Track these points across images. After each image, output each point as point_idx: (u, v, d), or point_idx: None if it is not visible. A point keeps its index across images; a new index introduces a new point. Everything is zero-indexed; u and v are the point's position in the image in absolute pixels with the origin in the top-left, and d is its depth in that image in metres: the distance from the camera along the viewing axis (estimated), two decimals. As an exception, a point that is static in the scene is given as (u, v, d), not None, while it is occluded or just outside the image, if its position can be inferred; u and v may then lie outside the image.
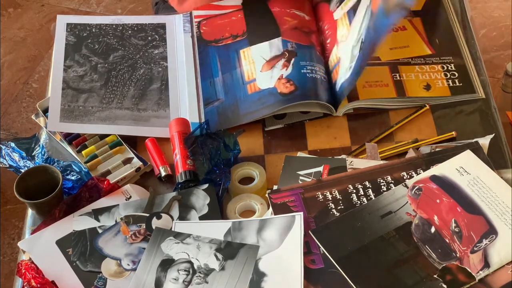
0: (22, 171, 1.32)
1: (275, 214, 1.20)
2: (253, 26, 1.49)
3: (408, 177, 1.23)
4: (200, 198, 1.26)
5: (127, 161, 1.36)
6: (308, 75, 1.38)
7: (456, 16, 1.54)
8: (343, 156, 1.30)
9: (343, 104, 1.38)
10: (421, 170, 1.24)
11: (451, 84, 1.42)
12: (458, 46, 1.48)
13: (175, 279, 1.15)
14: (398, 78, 1.43)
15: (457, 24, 1.52)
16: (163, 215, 1.25)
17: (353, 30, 1.37)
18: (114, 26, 1.58)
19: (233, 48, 1.47)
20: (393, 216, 1.17)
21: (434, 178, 1.21)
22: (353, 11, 1.40)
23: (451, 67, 1.45)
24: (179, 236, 1.20)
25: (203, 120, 1.39)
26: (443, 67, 1.45)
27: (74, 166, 1.34)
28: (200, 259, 1.16)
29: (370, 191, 1.22)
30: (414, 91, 1.41)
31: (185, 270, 1.16)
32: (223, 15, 1.52)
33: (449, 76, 1.43)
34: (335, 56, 1.41)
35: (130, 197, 1.29)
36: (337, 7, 1.45)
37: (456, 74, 1.43)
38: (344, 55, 1.38)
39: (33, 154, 1.39)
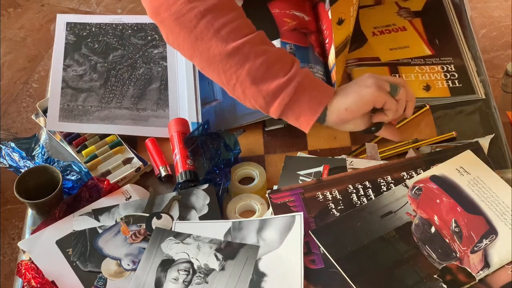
0: (22, 171, 1.32)
1: (275, 214, 1.20)
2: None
3: (408, 177, 1.23)
4: (200, 198, 1.26)
5: (127, 161, 1.36)
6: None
7: (456, 16, 1.54)
8: (343, 156, 1.30)
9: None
10: (421, 170, 1.24)
11: (450, 85, 1.42)
12: (458, 46, 1.48)
13: (175, 279, 1.15)
14: (398, 78, 1.43)
15: (457, 24, 1.52)
16: (163, 215, 1.25)
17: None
18: (114, 26, 1.58)
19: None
20: (393, 216, 1.17)
21: (434, 178, 1.21)
22: None
23: (451, 68, 1.45)
24: (179, 236, 1.20)
25: (200, 120, 1.39)
26: (443, 68, 1.45)
27: (74, 166, 1.34)
28: (200, 259, 1.16)
29: (370, 191, 1.22)
30: (414, 91, 1.39)
31: (185, 270, 1.16)
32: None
33: (448, 76, 1.43)
34: (333, 57, 1.40)
35: (130, 197, 1.29)
36: (331, 5, 1.45)
37: (456, 75, 1.43)
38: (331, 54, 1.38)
39: (33, 154, 1.39)
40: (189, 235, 1.20)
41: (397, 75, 1.43)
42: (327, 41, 1.45)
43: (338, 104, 1.16)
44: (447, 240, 1.14)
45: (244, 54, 1.14)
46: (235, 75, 1.15)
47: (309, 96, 1.15)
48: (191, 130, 1.37)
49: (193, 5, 1.15)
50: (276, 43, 1.44)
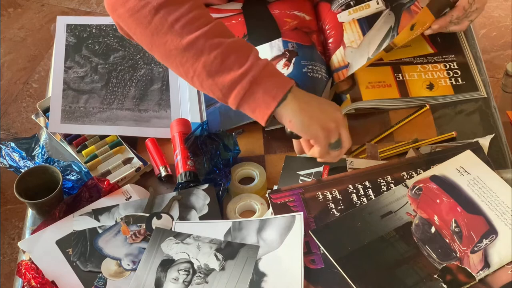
0: (22, 171, 1.32)
1: (275, 214, 1.20)
2: (254, 29, 1.49)
3: (408, 177, 1.23)
4: (200, 198, 1.26)
5: (127, 161, 1.36)
6: (309, 74, 1.38)
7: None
8: (343, 156, 1.30)
9: (346, 104, 1.38)
10: (421, 170, 1.24)
11: (454, 83, 1.42)
12: (460, 44, 1.48)
13: (175, 279, 1.15)
14: (401, 78, 1.43)
15: (458, 23, 1.52)
16: (163, 215, 1.25)
17: (369, 44, 1.37)
18: (114, 27, 1.57)
19: (233, 50, 1.47)
20: (393, 216, 1.17)
21: (434, 178, 1.21)
22: (366, 21, 1.41)
23: (454, 66, 1.45)
24: (179, 236, 1.20)
25: (204, 120, 1.39)
26: (445, 66, 1.45)
27: (74, 166, 1.34)
28: (200, 259, 1.16)
29: (370, 191, 1.22)
30: (417, 91, 1.41)
31: (185, 270, 1.16)
32: (223, 18, 1.52)
33: (451, 74, 1.43)
34: (341, 59, 1.40)
35: (130, 197, 1.29)
36: (342, 9, 1.45)
37: (459, 73, 1.43)
38: (356, 63, 1.38)
39: (33, 154, 1.39)
40: (189, 235, 1.20)
41: (400, 74, 1.43)
42: (330, 41, 1.45)
43: (289, 112, 1.16)
44: (447, 240, 1.14)
45: (199, 48, 1.14)
46: (191, 68, 1.15)
47: (264, 90, 1.14)
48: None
49: (146, 1, 1.16)
50: (278, 42, 1.44)
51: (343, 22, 1.45)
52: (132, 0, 1.17)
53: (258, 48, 1.45)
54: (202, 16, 1.17)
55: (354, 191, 1.22)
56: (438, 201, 1.18)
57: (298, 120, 1.15)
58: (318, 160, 1.23)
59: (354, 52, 1.40)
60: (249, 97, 1.15)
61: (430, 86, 1.42)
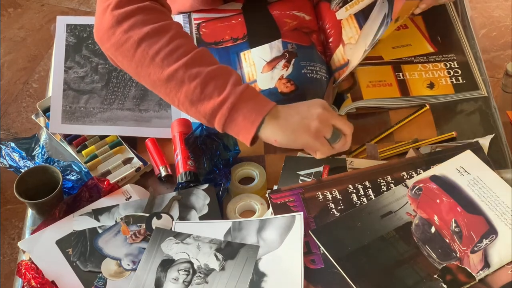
0: (22, 171, 1.32)
1: (275, 214, 1.20)
2: (253, 30, 1.49)
3: (408, 177, 1.23)
4: (200, 198, 1.26)
5: (127, 161, 1.36)
6: (308, 75, 1.38)
7: (457, 16, 1.54)
8: (343, 156, 1.30)
9: (347, 103, 1.39)
10: (421, 170, 1.24)
11: (454, 82, 1.42)
12: (460, 43, 1.49)
13: (175, 279, 1.15)
14: (402, 77, 1.43)
15: (458, 23, 1.53)
16: (163, 215, 1.25)
17: (366, 36, 1.37)
18: (114, 26, 1.57)
19: (233, 51, 1.47)
20: (393, 216, 1.17)
21: (434, 178, 1.21)
22: (362, 14, 1.40)
23: (454, 65, 1.45)
24: (179, 236, 1.20)
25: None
26: (446, 65, 1.45)
27: (74, 166, 1.34)
28: (200, 259, 1.16)
29: (370, 191, 1.22)
30: (418, 90, 1.41)
31: (185, 270, 1.16)
32: (223, 18, 1.52)
33: (452, 73, 1.43)
34: (341, 57, 1.41)
35: (130, 197, 1.29)
36: (340, 7, 1.46)
37: (459, 72, 1.43)
38: (355, 59, 1.38)
39: (33, 154, 1.39)
40: (189, 235, 1.20)
41: (400, 73, 1.43)
42: (331, 40, 1.45)
43: (271, 133, 1.19)
44: (447, 240, 1.14)
45: (179, 79, 1.19)
46: (175, 97, 1.21)
47: (243, 116, 1.18)
48: (192, 130, 1.37)
49: (128, 35, 1.21)
50: (277, 43, 1.44)
51: (341, 20, 1.45)
52: (116, 35, 1.22)
53: (258, 49, 1.45)
54: (182, 46, 1.21)
55: (354, 191, 1.22)
56: (438, 201, 1.18)
57: (282, 138, 1.19)
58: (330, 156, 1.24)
59: (353, 48, 1.40)
60: (230, 123, 1.19)
61: (431, 85, 1.42)
